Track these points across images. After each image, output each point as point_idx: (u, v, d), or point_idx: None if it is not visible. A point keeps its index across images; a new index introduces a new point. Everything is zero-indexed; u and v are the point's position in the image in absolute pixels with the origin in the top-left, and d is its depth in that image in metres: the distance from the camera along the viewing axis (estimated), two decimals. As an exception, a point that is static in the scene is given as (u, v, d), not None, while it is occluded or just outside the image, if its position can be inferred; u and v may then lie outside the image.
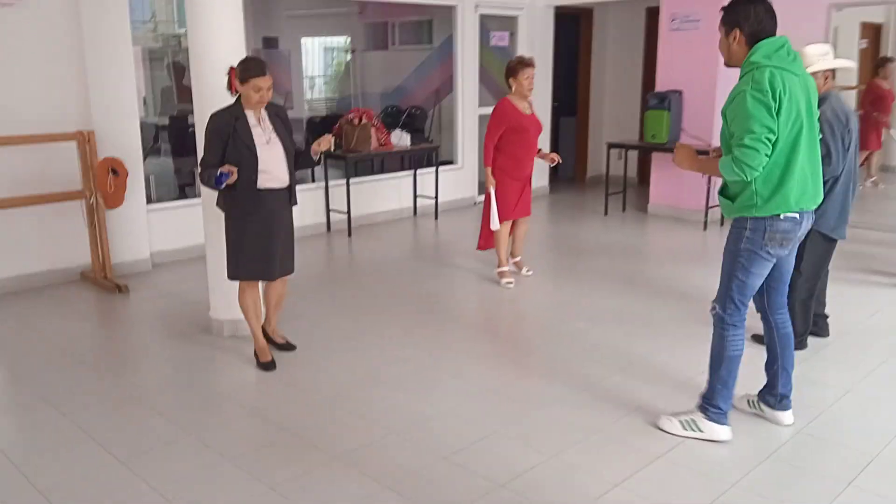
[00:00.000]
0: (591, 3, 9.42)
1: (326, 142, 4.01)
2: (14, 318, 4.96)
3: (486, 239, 5.73)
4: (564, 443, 3.27)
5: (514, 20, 8.83)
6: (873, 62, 8.34)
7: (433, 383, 3.93)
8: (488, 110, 8.90)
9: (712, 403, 3.27)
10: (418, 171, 8.12)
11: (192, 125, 4.51)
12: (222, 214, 4.00)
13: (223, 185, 3.68)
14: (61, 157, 5.53)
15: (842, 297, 5.01)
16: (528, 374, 4.08)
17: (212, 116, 3.85)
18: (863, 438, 3.31)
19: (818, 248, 4.07)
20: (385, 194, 7.93)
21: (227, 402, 3.81)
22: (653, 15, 9.33)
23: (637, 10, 9.47)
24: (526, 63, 5.40)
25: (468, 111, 8.55)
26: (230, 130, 3.78)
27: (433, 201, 8.06)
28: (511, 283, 5.63)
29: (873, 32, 8.29)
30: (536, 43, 8.92)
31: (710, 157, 3.20)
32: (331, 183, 7.33)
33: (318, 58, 9.45)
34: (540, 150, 5.68)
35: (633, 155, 8.99)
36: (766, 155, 2.88)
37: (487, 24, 8.62)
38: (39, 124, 5.35)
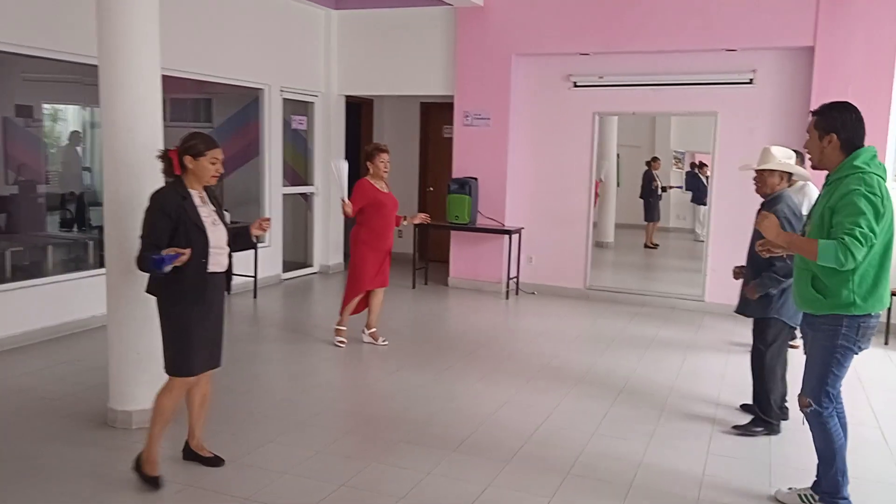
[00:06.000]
0: (372, 95, 10.20)
1: (267, 224, 3.93)
2: None
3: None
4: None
5: (311, 105, 9.25)
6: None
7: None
8: (292, 189, 9.11)
9: (841, 496, 3.31)
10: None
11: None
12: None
13: (167, 269, 3.33)
14: None
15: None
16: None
17: (156, 195, 3.50)
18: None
19: (780, 334, 4.31)
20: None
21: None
22: (426, 108, 10.42)
23: (412, 102, 10.45)
24: (381, 149, 5.93)
25: (274, 189, 8.67)
26: (179, 210, 3.45)
27: (251, 279, 7.97)
28: (343, 341, 6.03)
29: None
30: (331, 127, 9.41)
31: (801, 236, 3.31)
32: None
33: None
34: (405, 217, 6.12)
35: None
36: (865, 251, 3.02)
37: (286, 108, 8.89)
38: None
